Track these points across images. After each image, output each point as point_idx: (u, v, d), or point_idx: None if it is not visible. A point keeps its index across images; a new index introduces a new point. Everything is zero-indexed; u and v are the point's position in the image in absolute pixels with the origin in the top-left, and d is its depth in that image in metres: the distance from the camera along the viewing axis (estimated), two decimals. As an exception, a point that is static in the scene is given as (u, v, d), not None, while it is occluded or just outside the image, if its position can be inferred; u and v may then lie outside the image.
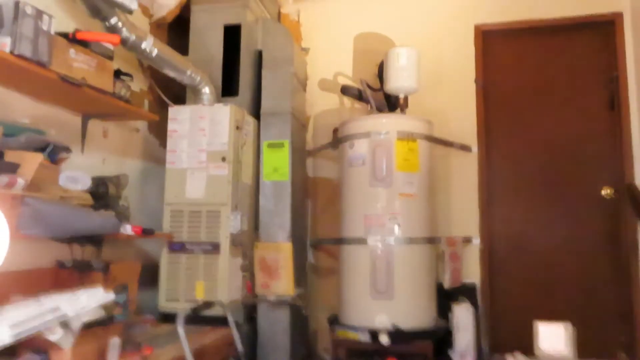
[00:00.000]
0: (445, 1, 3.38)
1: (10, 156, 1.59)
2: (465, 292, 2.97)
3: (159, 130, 2.83)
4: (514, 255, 3.16)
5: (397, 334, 2.49)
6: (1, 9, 1.57)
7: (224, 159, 2.45)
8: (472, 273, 3.10)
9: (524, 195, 3.18)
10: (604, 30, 3.17)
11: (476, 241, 3.11)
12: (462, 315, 2.81)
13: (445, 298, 2.84)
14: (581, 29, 3.21)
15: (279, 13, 3.48)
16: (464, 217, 3.17)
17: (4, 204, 1.46)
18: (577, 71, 3.20)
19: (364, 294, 2.62)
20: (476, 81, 3.26)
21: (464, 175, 3.20)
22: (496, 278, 3.15)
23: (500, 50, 3.34)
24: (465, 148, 3.15)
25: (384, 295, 2.58)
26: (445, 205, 3.17)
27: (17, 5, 1.57)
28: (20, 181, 1.53)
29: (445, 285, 2.78)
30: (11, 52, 1.56)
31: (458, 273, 2.93)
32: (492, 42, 3.33)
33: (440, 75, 3.30)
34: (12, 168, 1.54)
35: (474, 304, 2.94)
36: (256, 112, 2.79)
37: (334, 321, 2.79)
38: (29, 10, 1.61)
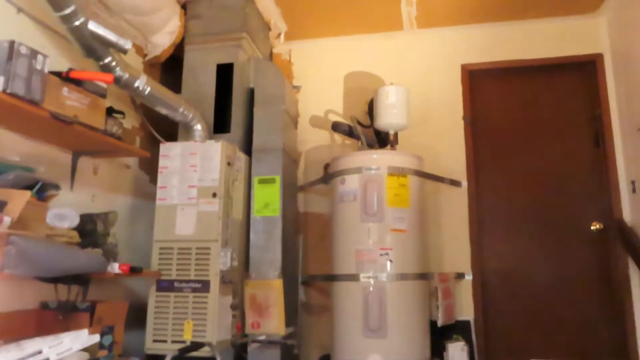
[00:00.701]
0: (432, 42, 3.48)
1: (-3, 194, 1.58)
2: (459, 329, 2.93)
3: (150, 167, 2.83)
4: (507, 291, 3.13)
5: (390, 374, 2.44)
6: (-5, 49, 1.59)
7: (214, 195, 2.44)
8: (466, 309, 3.06)
9: (514, 230, 3.19)
10: (586, 69, 3.27)
11: (468, 277, 3.10)
12: (457, 354, 2.78)
13: (438, 335, 2.80)
14: (564, 69, 3.31)
15: (271, 52, 3.56)
16: (456, 252, 3.16)
17: (-10, 243, 1.43)
18: (561, 109, 3.27)
19: (357, 332, 2.58)
20: (464, 118, 3.32)
21: (455, 211, 3.22)
22: (490, 314, 3.11)
23: (487, 89, 3.42)
24: (455, 183, 3.18)
25: (376, 334, 2.54)
26: (437, 241, 3.17)
27: (12, 45, 1.60)
28: (7, 219, 1.51)
29: (439, 323, 2.75)
30: (4, 91, 1.58)
31: (451, 309, 2.90)
32: (478, 80, 3.42)
33: (429, 113, 3.36)
34: (-1, 206, 1.53)
35: (469, 341, 2.90)
36: (248, 149, 2.80)
37: (326, 361, 2.73)
38: (23, 50, 1.63)
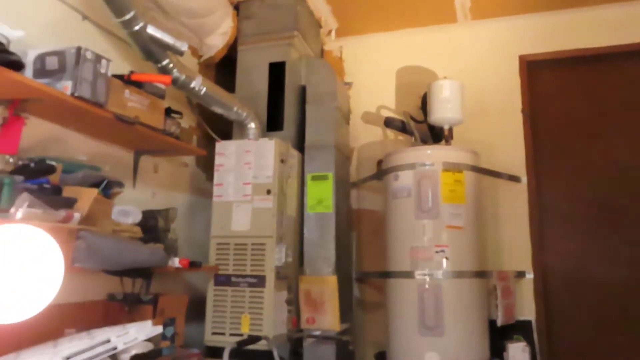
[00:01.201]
0: (487, 33, 3.36)
1: (68, 191, 1.67)
2: (520, 329, 2.83)
3: (206, 165, 2.91)
4: (572, 290, 2.98)
5: (447, 373, 2.39)
6: (64, 55, 1.68)
7: (269, 192, 2.48)
8: (527, 309, 2.95)
9: (579, 227, 3.03)
10: (657, 55, 3.05)
11: (529, 275, 2.98)
12: (518, 354, 2.68)
13: (498, 335, 2.71)
14: (631, 56, 3.10)
15: (322, 50, 3.57)
16: (515, 250, 3.04)
17: (61, 237, 1.52)
18: (629, 99, 3.07)
19: (412, 330, 2.54)
20: (523, 111, 3.19)
21: (514, 207, 3.10)
22: (553, 314, 2.98)
23: (547, 80, 3.26)
24: (514, 179, 3.07)
25: (433, 332, 2.49)
26: (495, 238, 3.07)
27: (78, 51, 1.68)
28: (77, 215, 1.59)
29: (498, 322, 2.66)
30: (72, 94, 1.66)
31: (511, 309, 2.80)
32: (537, 71, 3.27)
33: (485, 106, 3.25)
34: (70, 203, 1.62)
35: (530, 342, 2.79)
36: (300, 146, 2.82)
37: (381, 357, 2.70)
38: (89, 55, 1.72)
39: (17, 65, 1.54)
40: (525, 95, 3.21)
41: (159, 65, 2.15)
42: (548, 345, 2.92)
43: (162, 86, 2.17)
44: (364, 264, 3.27)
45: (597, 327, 2.90)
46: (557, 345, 2.94)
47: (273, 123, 2.83)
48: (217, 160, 2.61)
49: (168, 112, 2.30)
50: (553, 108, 3.22)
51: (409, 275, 2.60)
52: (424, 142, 3.00)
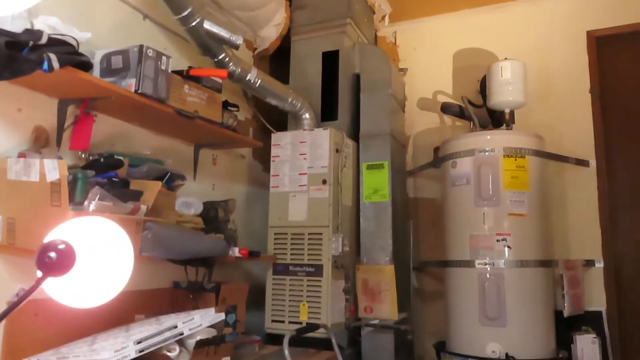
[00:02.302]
0: (551, 9, 3.18)
1: (134, 185, 1.76)
2: (589, 320, 2.70)
3: (263, 156, 2.96)
4: (646, 281, 2.81)
5: (511, 365, 2.32)
6: (128, 54, 1.75)
7: (324, 182, 2.49)
8: (596, 299, 2.80)
9: (655, 213, 2.83)
10: None
11: (599, 264, 2.82)
12: (587, 346, 2.56)
13: (565, 327, 2.60)
14: None
15: (375, 36, 3.51)
16: (583, 237, 2.89)
17: (129, 228, 1.60)
18: None
19: (473, 320, 2.48)
20: (591, 91, 3.00)
21: (582, 193, 2.94)
22: (625, 305, 2.81)
23: (618, 57, 3.05)
24: (582, 163, 2.91)
25: (495, 322, 2.42)
26: (561, 226, 2.92)
27: (141, 49, 1.75)
28: (143, 207, 1.67)
29: (565, 313, 2.55)
30: (135, 91, 1.74)
31: (579, 299, 2.67)
32: (607, 48, 3.06)
33: (549, 88, 3.09)
34: (137, 195, 1.69)
35: (601, 333, 2.65)
36: (355, 135, 2.81)
37: (441, 348, 2.67)
38: (150, 53, 1.78)
39: (86, 65, 1.62)
40: (594, 74, 3.02)
41: (216, 59, 2.20)
42: (620, 337, 2.76)
43: (219, 80, 2.22)
44: (422, 253, 3.23)
45: (676, 320, 2.71)
46: (629, 337, 2.78)
47: (327, 113, 2.82)
48: (273, 151, 2.64)
49: (225, 105, 2.35)
50: (624, 87, 3.01)
51: (469, 264, 2.53)
52: (483, 127, 2.90)
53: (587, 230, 2.89)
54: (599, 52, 3.06)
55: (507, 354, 2.34)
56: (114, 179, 1.68)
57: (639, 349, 2.76)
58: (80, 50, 1.63)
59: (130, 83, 1.74)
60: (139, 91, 1.74)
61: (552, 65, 3.11)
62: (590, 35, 3.06)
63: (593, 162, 2.92)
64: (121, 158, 1.79)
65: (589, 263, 2.82)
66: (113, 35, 1.99)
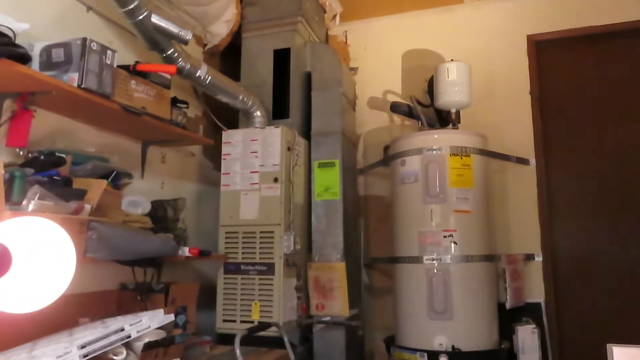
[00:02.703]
0: (495, 14, 3.32)
1: (78, 183, 1.69)
2: (530, 312, 2.84)
3: (213, 154, 2.92)
4: (582, 273, 2.98)
5: (457, 356, 2.41)
6: (70, 46, 1.68)
7: (276, 180, 2.48)
8: (536, 292, 2.95)
9: (589, 209, 3.02)
10: (669, 32, 3.00)
11: (538, 258, 2.98)
12: (527, 337, 2.69)
13: (507, 318, 2.72)
14: (643, 33, 3.05)
15: (327, 35, 3.54)
16: (524, 233, 3.04)
17: (72, 228, 1.54)
18: (640, 77, 3.03)
19: (421, 314, 2.55)
20: (531, 93, 3.16)
21: (522, 190, 3.08)
22: (562, 297, 2.98)
23: (556, 60, 3.22)
24: (522, 161, 3.05)
25: (442, 316, 2.50)
26: (504, 222, 3.06)
27: (84, 42, 1.68)
28: (87, 207, 1.61)
29: (507, 305, 2.67)
30: (79, 86, 1.67)
31: (520, 292, 2.81)
32: (546, 52, 3.22)
33: (493, 89, 3.23)
34: (80, 194, 1.63)
35: (540, 324, 2.80)
36: (307, 133, 2.82)
37: (391, 342, 2.73)
38: (94, 47, 1.72)
39: (23, 58, 1.55)
40: (533, 76, 3.18)
41: (164, 54, 2.15)
42: (558, 327, 2.93)
43: (168, 76, 2.17)
44: (372, 250, 3.28)
45: (606, 309, 2.90)
46: (566, 327, 2.95)
47: (279, 111, 2.82)
48: (224, 149, 2.61)
49: (174, 102, 2.30)
50: (562, 89, 3.18)
51: (417, 260, 2.60)
52: (431, 126, 2.98)
53: (527, 225, 3.04)
54: (539, 56, 3.22)
55: (453, 347, 2.43)
56: (55, 177, 1.61)
57: (575, 337, 2.93)
58: (17, 41, 1.55)
59: (72, 77, 1.67)
60: (82, 86, 1.68)
61: (495, 67, 3.24)
62: (531, 39, 3.22)
63: (533, 161, 3.07)
64: (63, 155, 1.71)
65: (529, 257, 2.97)
66: (54, 27, 1.90)
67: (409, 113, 3.10)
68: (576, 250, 3.02)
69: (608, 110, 3.06)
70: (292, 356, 2.03)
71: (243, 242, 2.48)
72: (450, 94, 2.80)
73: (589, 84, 3.13)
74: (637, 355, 1.86)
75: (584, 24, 3.11)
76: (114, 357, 1.50)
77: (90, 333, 1.47)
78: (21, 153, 1.71)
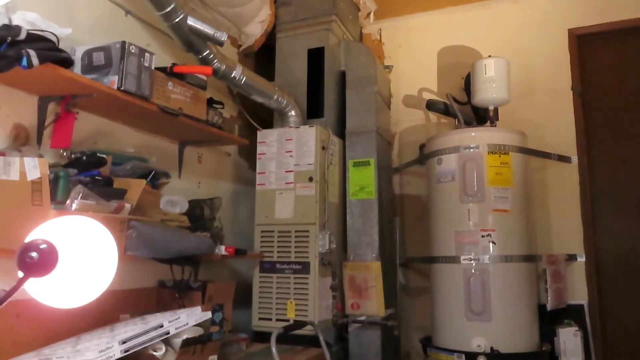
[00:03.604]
0: (533, 6, 3.22)
1: (118, 183, 1.73)
2: (572, 314, 2.74)
3: (249, 154, 2.95)
4: (626, 273, 2.86)
5: (496, 358, 2.35)
6: (110, 50, 1.72)
7: (311, 179, 2.48)
8: (579, 293, 2.85)
9: (634, 207, 2.88)
10: None
11: (581, 258, 2.87)
12: (569, 339, 2.60)
13: (548, 320, 2.64)
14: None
15: (361, 33, 3.52)
16: (566, 233, 2.94)
17: (113, 227, 1.58)
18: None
19: (458, 315, 2.50)
20: (573, 89, 3.05)
21: (564, 189, 2.98)
22: (606, 299, 2.86)
23: (598, 54, 3.09)
24: (563, 159, 2.95)
25: (480, 317, 2.45)
26: (544, 221, 2.96)
27: (123, 46, 1.72)
28: (127, 206, 1.65)
29: (548, 306, 2.59)
30: (118, 89, 1.71)
31: (562, 293, 2.71)
32: (588, 46, 3.10)
33: (532, 85, 3.13)
34: (120, 194, 1.67)
35: (582, 326, 2.70)
36: (341, 132, 2.81)
37: (427, 343, 2.69)
38: (133, 50, 1.76)
39: (67, 62, 1.59)
40: (575, 72, 3.07)
41: (200, 56, 2.18)
42: (602, 329, 2.82)
43: (204, 77, 2.20)
44: (408, 250, 3.25)
45: (656, 313, 2.77)
46: (611, 329, 2.83)
47: (313, 110, 2.82)
48: (259, 148, 2.63)
49: (210, 102, 2.33)
50: (605, 84, 3.06)
51: (454, 260, 2.55)
52: (468, 124, 2.92)
53: (569, 225, 2.93)
54: (580, 50, 3.10)
55: (492, 348, 2.37)
56: (96, 177, 1.66)
57: (619, 340, 2.81)
58: (61, 46, 1.60)
59: (112, 80, 1.71)
60: (122, 88, 1.72)
61: (534, 62, 3.14)
62: (572, 33, 3.10)
63: (575, 159, 2.96)
64: (104, 156, 1.76)
65: (571, 257, 2.86)
66: (94, 32, 1.96)
67: (445, 111, 3.04)
68: (620, 250, 2.89)
69: (655, 106, 2.92)
70: (327, 355, 2.03)
71: (278, 241, 2.49)
72: (488, 91, 2.74)
73: (634, 78, 2.99)
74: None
75: (628, 16, 2.97)
76: (154, 353, 1.53)
77: (131, 329, 1.50)
78: (65, 154, 1.76)
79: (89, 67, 1.74)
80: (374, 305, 2.50)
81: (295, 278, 2.42)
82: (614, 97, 3.02)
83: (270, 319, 2.43)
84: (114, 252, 1.16)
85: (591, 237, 2.91)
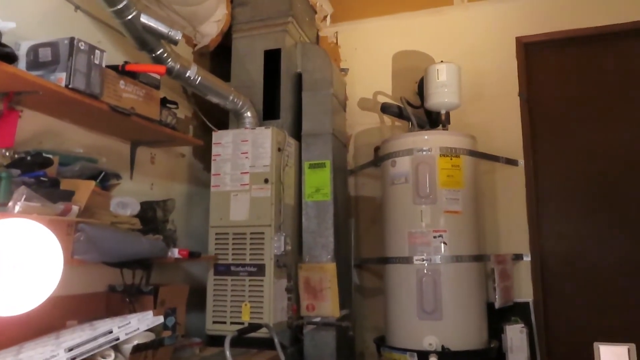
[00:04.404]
0: (483, 15, 3.34)
1: (65, 184, 1.67)
2: (518, 311, 2.86)
3: (204, 155, 2.91)
4: (569, 272, 3.01)
5: (446, 356, 2.42)
6: (58, 46, 1.66)
7: (266, 181, 2.48)
8: (525, 291, 2.97)
9: (576, 209, 3.05)
10: (655, 35, 3.04)
11: (527, 258, 3.00)
12: (515, 336, 2.71)
13: (496, 318, 2.74)
14: (630, 35, 3.08)
15: (318, 36, 3.54)
16: (513, 233, 3.06)
17: (60, 230, 1.52)
18: (628, 79, 3.06)
19: (411, 314, 2.56)
20: (520, 94, 3.18)
21: (511, 191, 3.11)
22: (550, 296, 3.01)
23: (544, 62, 3.25)
24: (511, 162, 3.07)
25: (431, 316, 2.51)
26: (493, 222, 3.08)
27: (72, 42, 1.66)
28: (75, 208, 1.59)
29: (496, 305, 2.69)
30: (66, 86, 1.65)
31: (509, 292, 2.83)
32: (535, 54, 3.25)
33: (482, 90, 3.25)
34: (67, 196, 1.61)
35: (528, 323, 2.82)
36: (297, 134, 2.82)
37: (381, 343, 2.73)
38: (82, 46, 1.70)
39: (10, 57, 1.53)
40: (522, 78, 3.20)
41: (153, 55, 2.13)
42: (545, 326, 2.96)
43: (157, 76, 2.15)
44: (362, 251, 3.29)
45: (593, 308, 2.93)
46: (554, 326, 2.98)
47: (269, 111, 2.81)
48: (214, 150, 2.60)
49: (164, 102, 2.28)
50: (550, 90, 3.21)
51: (407, 260, 2.61)
52: (421, 127, 2.99)
53: (516, 225, 3.06)
54: (527, 58, 3.25)
55: (443, 346, 2.44)
56: (42, 178, 1.59)
57: (562, 336, 2.96)
58: (3, 40, 1.54)
59: (60, 77, 1.65)
60: (70, 86, 1.66)
61: (484, 68, 3.26)
62: (519, 41, 3.24)
63: (521, 162, 3.09)
64: (50, 156, 1.69)
65: (518, 257, 2.99)
66: (41, 27, 1.88)
67: (400, 114, 3.11)
68: (563, 250, 3.05)
69: (594, 112, 3.10)
70: (282, 357, 2.02)
71: (233, 243, 2.47)
72: (440, 95, 2.82)
73: (576, 85, 3.16)
74: (622, 352, 1.89)
75: (572, 26, 3.14)
76: (103, 360, 1.48)
77: (78, 336, 1.45)
78: (7, 154, 1.68)
79: (35, 63, 1.67)
80: (328, 306, 2.52)
81: (250, 280, 2.40)
82: (558, 102, 3.18)
83: (224, 322, 2.40)
84: (60, 256, 1.12)
85: (536, 237, 3.05)
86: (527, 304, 2.91)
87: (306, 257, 2.65)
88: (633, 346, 1.94)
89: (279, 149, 2.56)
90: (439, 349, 2.44)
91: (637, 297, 2.86)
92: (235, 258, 2.45)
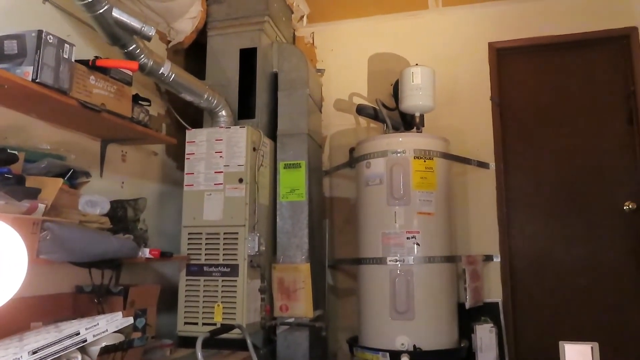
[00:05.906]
0: (458, 20, 3.39)
1: (31, 182, 1.62)
2: (488, 311, 2.91)
3: (177, 154, 2.86)
4: (537, 273, 3.08)
5: (418, 356, 2.44)
6: (24, 39, 1.61)
7: (240, 181, 2.46)
8: (494, 292, 3.03)
9: (544, 211, 3.12)
10: (619, 44, 3.14)
11: (497, 259, 3.06)
12: (485, 335, 2.76)
13: (467, 318, 2.78)
14: (596, 44, 3.18)
15: (294, 36, 3.53)
16: (484, 234, 3.12)
17: (25, 228, 1.47)
18: (593, 86, 3.16)
19: (384, 314, 2.58)
20: (492, 99, 3.24)
21: (482, 193, 3.16)
22: (519, 296, 3.07)
23: (515, 67, 3.32)
24: (482, 165, 3.13)
25: (404, 316, 2.54)
26: (464, 224, 3.13)
27: (39, 35, 1.61)
28: (41, 206, 1.54)
29: (467, 305, 2.73)
30: (33, 80, 1.60)
31: (479, 292, 2.87)
32: (506, 59, 3.32)
33: (455, 94, 3.29)
34: (33, 193, 1.56)
35: (497, 323, 2.87)
36: (272, 134, 2.80)
37: (354, 343, 2.74)
38: (51, 40, 1.65)
39: (-27, 49, 1.47)
40: (494, 83, 3.27)
41: (126, 50, 2.09)
42: (514, 325, 3.02)
43: (129, 72, 2.11)
44: (337, 251, 3.29)
45: (559, 308, 3.01)
46: (522, 324, 3.04)
47: (245, 111, 2.79)
48: (188, 148, 2.56)
49: (136, 99, 2.24)
50: (521, 95, 3.28)
51: (380, 261, 2.63)
52: (396, 129, 3.02)
53: (487, 227, 3.12)
54: (499, 63, 3.31)
55: (414, 346, 2.46)
56: (6, 175, 1.54)
57: (530, 335, 3.03)
58: (-32, 32, 1.48)
59: (26, 71, 1.60)
60: (37, 80, 1.61)
61: (458, 72, 3.31)
62: (492, 46, 3.30)
63: (492, 165, 3.15)
64: (15, 152, 1.64)
65: (488, 258, 3.04)
66: (7, 18, 1.82)
67: (375, 116, 3.12)
68: (531, 251, 3.12)
69: (561, 117, 3.18)
70: (255, 358, 2.01)
71: (206, 244, 2.44)
72: (415, 98, 2.85)
73: (544, 91, 3.24)
74: (586, 351, 1.94)
75: (541, 33, 3.22)
76: (68, 363, 1.44)
77: (43, 338, 1.41)
78: (-30, 149, 1.62)
79: (0, 55, 1.61)
80: (302, 307, 2.52)
81: (223, 281, 2.38)
82: (527, 107, 3.26)
83: (196, 323, 2.37)
84: (24, 256, 1.09)
85: (506, 238, 3.11)
86: (496, 304, 2.97)
87: (280, 257, 2.64)
88: (596, 345, 1.99)
89: (254, 149, 2.54)
90: (411, 349, 2.46)
91: (600, 297, 2.95)
92: (208, 258, 2.42)
